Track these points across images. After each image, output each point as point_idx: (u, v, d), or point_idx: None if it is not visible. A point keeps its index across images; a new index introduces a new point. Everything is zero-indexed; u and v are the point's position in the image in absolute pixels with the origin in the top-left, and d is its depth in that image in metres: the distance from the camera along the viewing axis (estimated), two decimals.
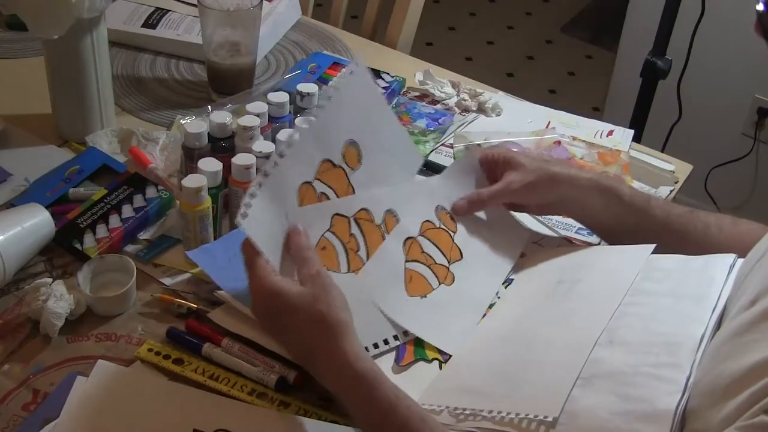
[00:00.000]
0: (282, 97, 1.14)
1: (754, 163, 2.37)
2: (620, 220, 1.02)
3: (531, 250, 1.07)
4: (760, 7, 0.77)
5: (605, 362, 0.83)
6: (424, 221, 1.02)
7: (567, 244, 1.10)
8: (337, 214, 0.93)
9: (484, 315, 0.99)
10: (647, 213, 1.01)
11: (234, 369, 0.92)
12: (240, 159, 1.02)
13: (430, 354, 0.94)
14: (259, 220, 0.84)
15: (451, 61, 2.36)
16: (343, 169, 0.95)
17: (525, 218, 1.12)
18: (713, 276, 0.89)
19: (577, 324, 0.90)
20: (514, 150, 1.07)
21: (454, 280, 1.01)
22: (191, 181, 0.99)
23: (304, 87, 1.17)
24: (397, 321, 0.95)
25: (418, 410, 0.80)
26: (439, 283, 0.99)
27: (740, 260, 0.89)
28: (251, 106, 1.11)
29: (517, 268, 1.05)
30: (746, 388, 0.67)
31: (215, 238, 1.05)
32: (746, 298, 0.77)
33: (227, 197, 1.06)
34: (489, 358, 0.92)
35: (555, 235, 1.11)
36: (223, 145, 1.08)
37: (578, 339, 0.87)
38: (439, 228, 1.03)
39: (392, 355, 0.93)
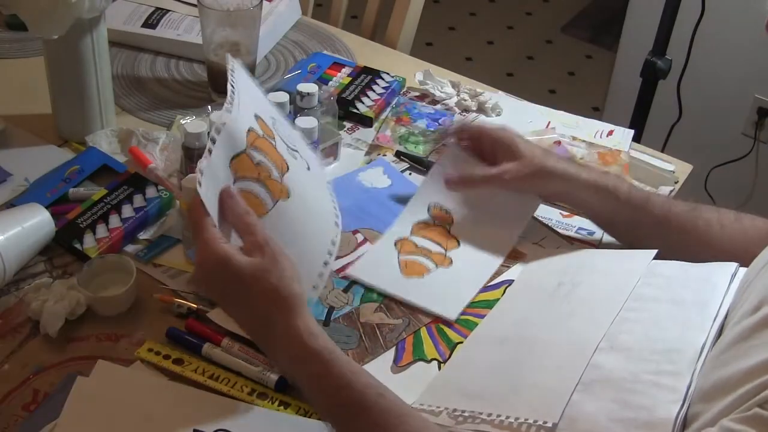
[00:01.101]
0: (282, 97, 1.14)
1: (754, 163, 2.37)
2: (617, 218, 1.03)
3: (531, 251, 1.07)
4: None
5: (605, 368, 0.82)
6: (416, 222, 1.03)
7: (567, 245, 1.10)
8: (234, 156, 0.84)
9: (484, 316, 0.99)
10: (645, 211, 1.01)
11: (234, 369, 0.92)
12: None
13: (429, 354, 0.94)
14: (209, 189, 0.80)
15: (451, 61, 2.36)
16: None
17: (521, 215, 1.12)
18: (715, 284, 0.88)
19: (578, 328, 0.90)
20: (518, 135, 1.06)
21: (452, 263, 1.03)
22: (191, 181, 0.99)
23: (304, 87, 1.17)
24: (395, 294, 0.98)
25: (375, 385, 0.76)
26: (437, 267, 1.01)
27: (742, 269, 0.89)
28: None
29: (517, 269, 1.05)
30: (742, 387, 0.67)
31: None
32: (749, 305, 0.76)
33: None
34: (488, 359, 0.92)
35: (555, 235, 1.11)
36: None
37: (578, 343, 0.87)
38: (433, 225, 1.04)
39: (391, 355, 0.94)
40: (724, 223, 1.00)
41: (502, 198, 1.07)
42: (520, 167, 1.02)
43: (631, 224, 1.02)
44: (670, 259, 0.96)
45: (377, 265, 1.02)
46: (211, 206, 0.80)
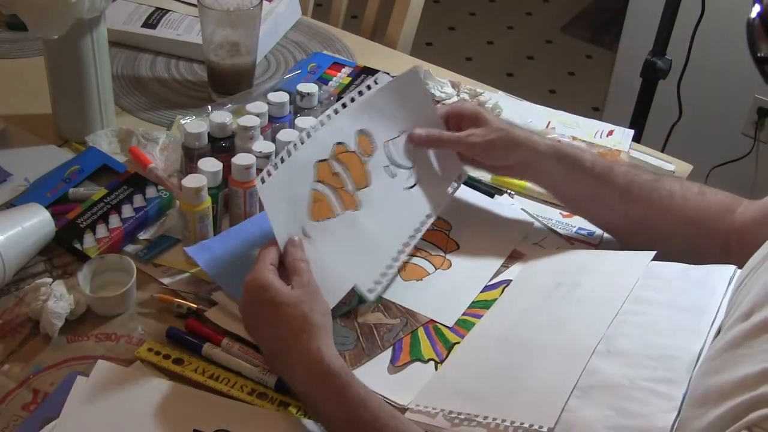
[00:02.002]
0: (282, 97, 1.14)
1: (754, 163, 2.37)
2: (579, 188, 1.04)
3: (531, 251, 1.07)
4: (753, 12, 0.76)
5: (602, 373, 0.82)
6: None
7: (567, 245, 1.10)
8: (319, 161, 0.97)
9: (482, 316, 0.99)
10: (608, 180, 1.02)
11: (234, 369, 0.92)
12: (240, 159, 1.02)
13: (426, 354, 0.94)
14: (274, 189, 0.91)
15: (451, 61, 2.37)
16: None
17: (520, 218, 1.12)
18: (713, 288, 0.88)
19: (575, 330, 0.89)
20: (483, 108, 1.09)
21: (451, 266, 1.03)
22: (191, 181, 0.99)
23: (304, 87, 1.17)
24: (392, 300, 0.99)
25: (388, 407, 0.82)
26: (436, 269, 1.01)
27: (740, 271, 0.89)
28: (251, 106, 1.11)
29: (515, 269, 1.05)
30: (729, 400, 0.66)
31: None
32: (741, 311, 0.76)
33: (227, 197, 1.06)
34: (486, 361, 0.91)
35: (555, 235, 1.11)
36: (223, 145, 1.08)
37: (575, 346, 0.86)
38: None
39: (388, 356, 0.94)
40: (687, 195, 1.01)
41: (498, 214, 1.10)
42: (486, 132, 1.04)
43: (594, 195, 1.03)
44: (635, 237, 0.98)
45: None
46: (276, 196, 0.91)
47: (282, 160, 0.93)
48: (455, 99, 1.34)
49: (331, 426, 0.83)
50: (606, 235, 1.10)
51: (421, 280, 1.02)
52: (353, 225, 0.98)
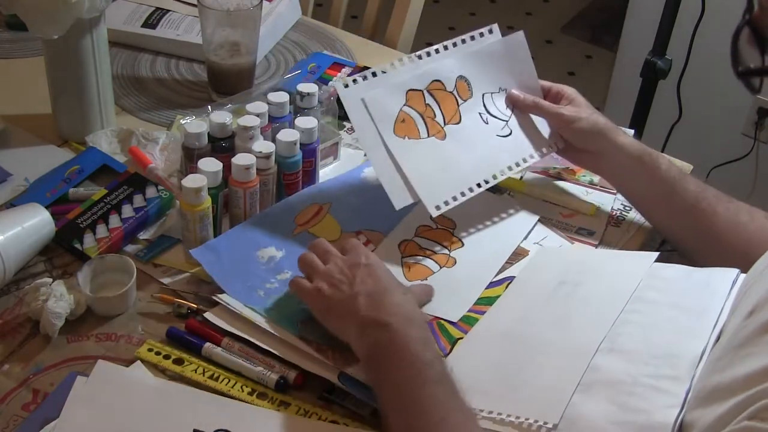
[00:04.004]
0: (282, 97, 1.14)
1: (754, 163, 2.37)
2: (651, 189, 1.05)
3: (532, 250, 1.07)
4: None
5: (605, 370, 0.83)
6: (421, 225, 1.06)
7: (568, 245, 1.10)
8: (411, 90, 1.05)
9: (485, 312, 0.99)
10: (681, 186, 1.03)
11: (234, 369, 0.92)
12: (240, 159, 1.02)
13: None
14: (356, 98, 1.01)
15: None
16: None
17: (524, 217, 1.12)
18: (715, 290, 0.88)
19: (578, 328, 0.90)
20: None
21: (456, 263, 1.03)
22: (191, 181, 0.99)
23: (304, 87, 1.17)
24: None
25: (461, 390, 0.81)
26: (441, 267, 1.02)
27: (743, 275, 0.88)
28: (251, 106, 1.11)
29: (519, 266, 1.05)
30: (736, 396, 0.67)
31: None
32: (745, 310, 0.76)
33: (227, 197, 1.06)
34: (489, 356, 0.92)
35: (556, 235, 1.11)
36: (223, 145, 1.08)
37: (579, 344, 0.87)
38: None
39: None
40: (753, 214, 1.01)
41: (501, 212, 1.11)
42: (578, 111, 1.08)
43: (666, 200, 1.04)
44: (696, 246, 0.99)
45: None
46: (359, 106, 1.02)
47: (374, 75, 1.02)
48: None
49: (387, 386, 0.82)
50: (606, 235, 1.11)
51: (426, 279, 1.02)
52: (436, 148, 1.04)
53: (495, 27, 1.12)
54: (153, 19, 1.41)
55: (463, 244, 1.07)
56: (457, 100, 1.08)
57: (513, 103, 1.12)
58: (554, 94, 1.13)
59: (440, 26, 3.26)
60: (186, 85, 1.35)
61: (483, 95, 1.10)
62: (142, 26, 1.41)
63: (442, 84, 1.07)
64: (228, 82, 1.29)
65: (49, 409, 0.86)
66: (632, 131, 1.29)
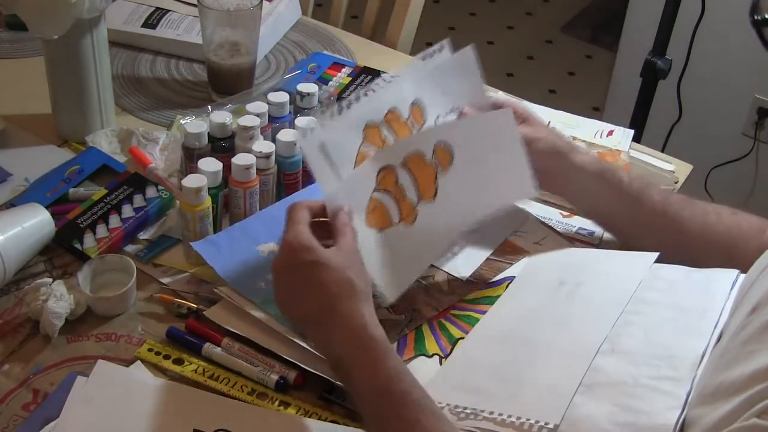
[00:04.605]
0: (282, 97, 1.14)
1: (754, 163, 2.37)
2: (616, 204, 1.02)
3: (532, 249, 1.07)
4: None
5: (606, 371, 0.82)
6: (412, 153, 0.97)
7: (568, 245, 1.10)
8: (368, 125, 0.96)
9: (485, 312, 0.99)
10: (645, 197, 1.01)
11: (234, 369, 0.92)
12: (240, 159, 1.02)
13: (430, 349, 0.94)
14: (315, 146, 0.90)
15: None
16: (408, 125, 0.99)
17: (524, 219, 1.12)
18: (716, 290, 0.88)
19: (579, 329, 0.90)
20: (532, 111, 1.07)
21: (414, 221, 0.98)
22: (191, 181, 0.99)
23: (304, 87, 1.17)
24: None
25: (422, 387, 0.80)
26: (400, 220, 0.97)
27: (743, 276, 0.88)
28: (251, 106, 1.11)
29: (519, 266, 1.05)
30: (741, 394, 0.67)
31: None
32: (748, 306, 0.76)
33: (227, 197, 1.06)
34: (490, 356, 0.92)
35: (555, 235, 1.11)
36: (223, 145, 1.08)
37: (580, 344, 0.87)
38: (428, 164, 0.98)
39: None
40: (720, 214, 1.00)
41: (510, 164, 1.02)
42: (532, 131, 1.02)
43: (630, 210, 1.02)
44: (667, 253, 0.96)
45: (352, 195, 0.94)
46: (318, 154, 0.91)
47: (332, 116, 0.93)
48: None
49: (360, 395, 0.81)
50: (606, 234, 1.11)
51: (381, 231, 0.95)
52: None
53: (445, 43, 1.05)
54: (153, 19, 1.42)
55: (434, 198, 0.99)
56: (411, 129, 0.99)
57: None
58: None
59: (440, 26, 3.26)
60: (186, 85, 1.35)
61: (436, 119, 1.03)
62: (142, 26, 1.41)
63: (398, 112, 0.98)
64: (228, 82, 1.29)
65: (49, 409, 0.86)
66: (632, 131, 1.30)
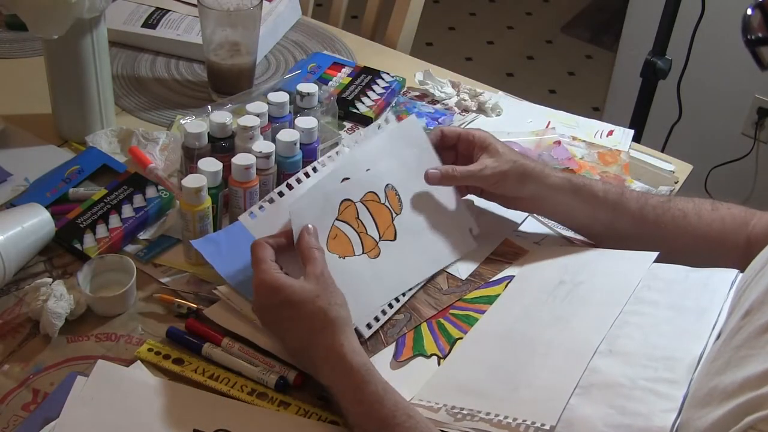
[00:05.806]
0: (282, 97, 1.14)
1: (754, 163, 2.37)
2: (595, 218, 1.02)
3: (532, 249, 1.08)
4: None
5: (603, 372, 0.83)
6: (369, 192, 1.00)
7: (567, 244, 1.10)
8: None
9: (484, 311, 0.98)
10: (622, 207, 1.01)
11: (234, 369, 0.92)
12: (240, 159, 1.02)
13: (429, 349, 0.94)
14: (265, 224, 0.93)
15: (451, 61, 2.36)
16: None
17: (524, 218, 1.12)
18: (714, 291, 0.88)
19: (578, 329, 0.90)
20: (493, 136, 1.05)
21: (378, 255, 0.99)
22: (191, 181, 0.99)
23: (304, 87, 1.17)
24: None
25: (405, 406, 0.82)
26: (363, 252, 0.98)
27: (741, 275, 0.89)
28: (251, 106, 1.11)
29: (517, 266, 1.05)
30: (732, 400, 0.66)
31: None
32: (742, 308, 0.77)
33: (227, 197, 1.06)
34: (488, 357, 0.92)
35: (555, 235, 1.11)
36: (223, 145, 1.08)
37: (578, 345, 0.87)
38: (382, 204, 1.01)
39: (391, 351, 0.94)
40: (701, 213, 1.00)
41: (454, 211, 1.06)
42: (499, 163, 1.01)
43: (610, 224, 1.02)
44: (650, 252, 0.96)
45: (313, 207, 0.96)
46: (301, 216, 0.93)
47: (281, 194, 0.96)
48: (455, 99, 1.34)
49: (350, 419, 0.84)
50: None
51: (343, 258, 0.96)
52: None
53: (390, 115, 1.07)
54: (153, 19, 1.42)
55: (395, 238, 1.01)
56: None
57: (431, 183, 1.03)
58: (464, 140, 1.05)
59: (440, 26, 3.26)
60: (186, 85, 1.35)
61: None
62: (142, 26, 1.41)
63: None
64: (228, 82, 1.29)
65: (49, 409, 0.86)
66: (632, 131, 1.30)
